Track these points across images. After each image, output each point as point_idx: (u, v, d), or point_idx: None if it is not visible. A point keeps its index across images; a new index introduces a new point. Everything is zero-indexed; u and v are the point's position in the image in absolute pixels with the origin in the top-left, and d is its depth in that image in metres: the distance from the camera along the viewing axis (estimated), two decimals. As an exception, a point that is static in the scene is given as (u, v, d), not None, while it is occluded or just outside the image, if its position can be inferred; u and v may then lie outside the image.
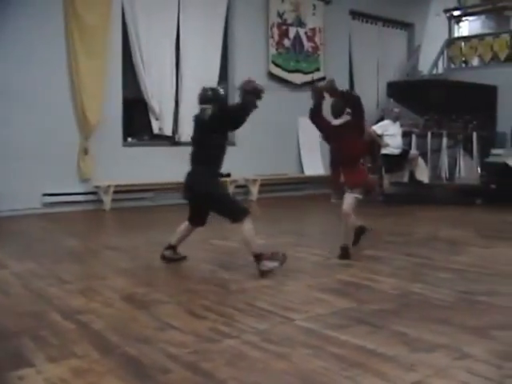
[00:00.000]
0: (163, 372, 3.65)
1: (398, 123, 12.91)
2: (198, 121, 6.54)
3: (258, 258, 6.16)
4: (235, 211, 6.35)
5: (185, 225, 6.79)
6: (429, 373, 3.63)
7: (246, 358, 3.88)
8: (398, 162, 12.81)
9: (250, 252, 6.26)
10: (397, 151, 12.74)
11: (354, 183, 6.93)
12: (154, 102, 12.48)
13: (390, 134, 12.70)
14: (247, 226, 6.24)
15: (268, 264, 6.15)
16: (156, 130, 12.71)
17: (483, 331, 4.40)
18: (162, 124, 12.66)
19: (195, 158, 6.46)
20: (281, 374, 3.62)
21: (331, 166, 7.08)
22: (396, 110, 13.13)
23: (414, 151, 13.18)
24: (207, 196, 6.35)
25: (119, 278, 6.16)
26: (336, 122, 7.04)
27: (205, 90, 6.52)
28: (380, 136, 12.84)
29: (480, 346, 4.08)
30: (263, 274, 6.12)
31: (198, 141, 6.50)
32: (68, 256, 7.42)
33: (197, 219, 6.73)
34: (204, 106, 6.41)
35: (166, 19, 12.71)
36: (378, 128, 13.00)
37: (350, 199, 6.89)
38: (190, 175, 6.43)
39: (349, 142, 6.86)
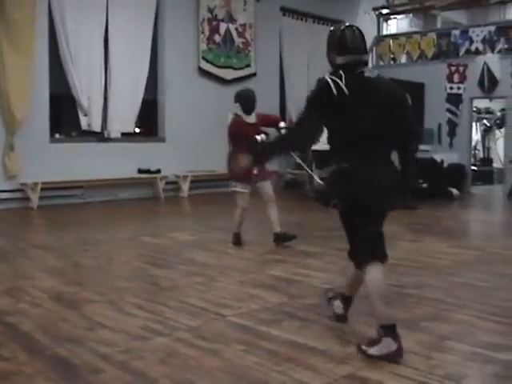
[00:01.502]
0: (94, 372, 3.59)
1: None
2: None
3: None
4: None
5: (353, 274, 4.34)
6: (360, 365, 3.68)
7: (179, 355, 3.85)
8: (328, 157, 12.90)
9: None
10: (320, 144, 12.82)
11: (267, 174, 7.79)
12: (82, 98, 12.25)
13: None
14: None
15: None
16: (84, 126, 12.47)
17: (413, 323, 4.49)
18: (90, 120, 12.44)
19: (378, 153, 4.11)
20: (214, 371, 3.60)
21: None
22: None
23: None
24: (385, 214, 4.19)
25: (48, 278, 6.02)
26: (249, 119, 7.63)
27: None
28: None
29: (410, 337, 4.15)
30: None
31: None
32: (-6, 255, 7.23)
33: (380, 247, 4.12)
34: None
35: (95, 14, 12.48)
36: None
37: (269, 186, 7.70)
38: (375, 177, 3.99)
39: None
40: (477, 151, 20.30)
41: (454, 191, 13.56)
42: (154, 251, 7.42)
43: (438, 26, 18.46)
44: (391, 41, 17.43)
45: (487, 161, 19.92)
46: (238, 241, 7.74)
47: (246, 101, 7.61)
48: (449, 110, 15.32)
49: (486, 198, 15.50)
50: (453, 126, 15.31)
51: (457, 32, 15.71)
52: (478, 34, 15.18)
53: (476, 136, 19.97)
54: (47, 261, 6.89)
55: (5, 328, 4.42)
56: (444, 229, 9.58)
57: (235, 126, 7.62)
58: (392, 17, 19.01)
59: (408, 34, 17.44)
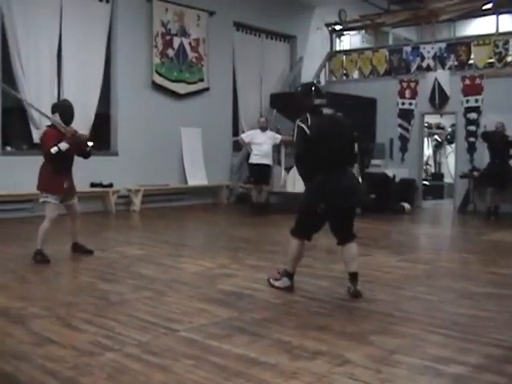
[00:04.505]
0: (41, 388, 3.54)
1: (268, 132, 13.10)
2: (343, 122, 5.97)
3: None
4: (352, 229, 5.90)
5: (297, 244, 5.95)
6: (310, 380, 3.68)
7: (128, 371, 3.82)
8: (264, 172, 12.94)
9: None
10: (256, 158, 12.86)
11: (75, 190, 7.89)
12: (33, 111, 12.11)
13: (258, 143, 12.88)
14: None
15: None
16: (36, 140, 12.30)
17: (362, 337, 4.52)
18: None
19: (340, 161, 5.75)
20: (162, 386, 3.58)
21: (57, 174, 7.54)
22: (262, 119, 13.42)
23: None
24: (353, 207, 6.00)
25: (-6, 293, 5.93)
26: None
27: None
28: (248, 144, 13.10)
29: (360, 351, 4.19)
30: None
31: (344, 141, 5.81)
32: None
33: (313, 234, 5.96)
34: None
35: (47, 25, 12.36)
36: (245, 136, 13.31)
37: (77, 203, 7.93)
38: (344, 179, 5.76)
39: (76, 150, 7.73)
40: (428, 166, 20.56)
41: (405, 205, 13.73)
42: (103, 265, 7.33)
43: (390, 42, 18.68)
44: (344, 56, 17.59)
45: (438, 176, 20.16)
46: (44, 258, 7.41)
47: (66, 112, 7.67)
48: (400, 126, 15.54)
49: (436, 212, 15.70)
50: (404, 141, 15.53)
51: (408, 48, 15.94)
52: (428, 51, 15.43)
53: (427, 151, 20.22)
54: (-7, 275, 6.78)
55: (-51, 345, 4.33)
56: (393, 243, 9.69)
57: (45, 138, 7.57)
58: (344, 33, 19.20)
59: (360, 50, 17.62)
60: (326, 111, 5.81)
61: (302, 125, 5.64)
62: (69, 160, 7.68)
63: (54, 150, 7.32)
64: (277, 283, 6.04)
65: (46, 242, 7.53)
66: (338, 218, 5.79)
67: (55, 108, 7.74)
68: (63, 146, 7.37)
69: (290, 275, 5.99)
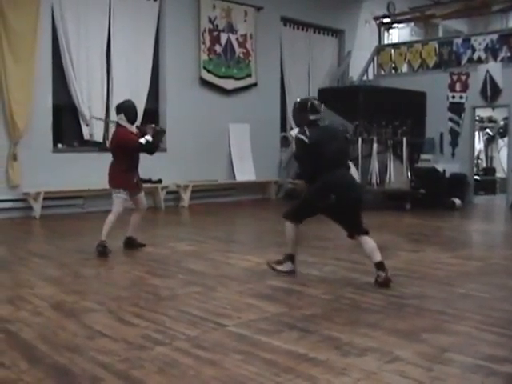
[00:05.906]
0: (94, 381, 3.59)
1: None
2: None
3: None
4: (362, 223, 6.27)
5: (293, 229, 6.45)
6: (360, 376, 3.66)
7: (178, 365, 3.85)
8: None
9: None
10: None
11: (142, 186, 8.35)
12: (84, 108, 12.30)
13: None
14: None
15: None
16: (86, 136, 12.50)
17: (413, 334, 4.47)
18: (92, 130, 12.48)
19: (339, 162, 6.31)
20: (212, 381, 3.60)
21: (129, 172, 7.92)
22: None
23: None
24: (356, 202, 6.32)
25: (48, 286, 6.05)
26: (133, 129, 7.97)
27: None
28: None
29: (410, 348, 4.14)
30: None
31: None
32: (-5, 264, 7.24)
33: (304, 219, 6.52)
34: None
35: (97, 24, 12.57)
36: (293, 132, 13.27)
37: (144, 197, 8.29)
38: (343, 177, 6.28)
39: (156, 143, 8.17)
40: (479, 161, 20.21)
41: (456, 201, 13.53)
42: (153, 261, 7.43)
43: (440, 34, 18.42)
44: (392, 50, 17.37)
45: (490, 170, 19.79)
46: (105, 250, 7.62)
47: (131, 111, 7.93)
48: (451, 120, 15.30)
49: (489, 208, 15.42)
50: (455, 136, 15.29)
51: (459, 41, 15.66)
52: (480, 43, 15.13)
53: (479, 145, 19.86)
54: (47, 270, 6.92)
55: (6, 336, 4.43)
56: (445, 239, 9.56)
57: (124, 136, 7.78)
58: (393, 26, 19.00)
59: (409, 43, 17.39)
60: (322, 123, 6.39)
61: (301, 136, 6.20)
62: (137, 158, 7.99)
63: (143, 140, 7.69)
64: (279, 267, 6.48)
65: (110, 234, 7.71)
66: (342, 213, 6.22)
67: (119, 109, 7.96)
68: (149, 137, 7.74)
69: (291, 258, 6.47)
